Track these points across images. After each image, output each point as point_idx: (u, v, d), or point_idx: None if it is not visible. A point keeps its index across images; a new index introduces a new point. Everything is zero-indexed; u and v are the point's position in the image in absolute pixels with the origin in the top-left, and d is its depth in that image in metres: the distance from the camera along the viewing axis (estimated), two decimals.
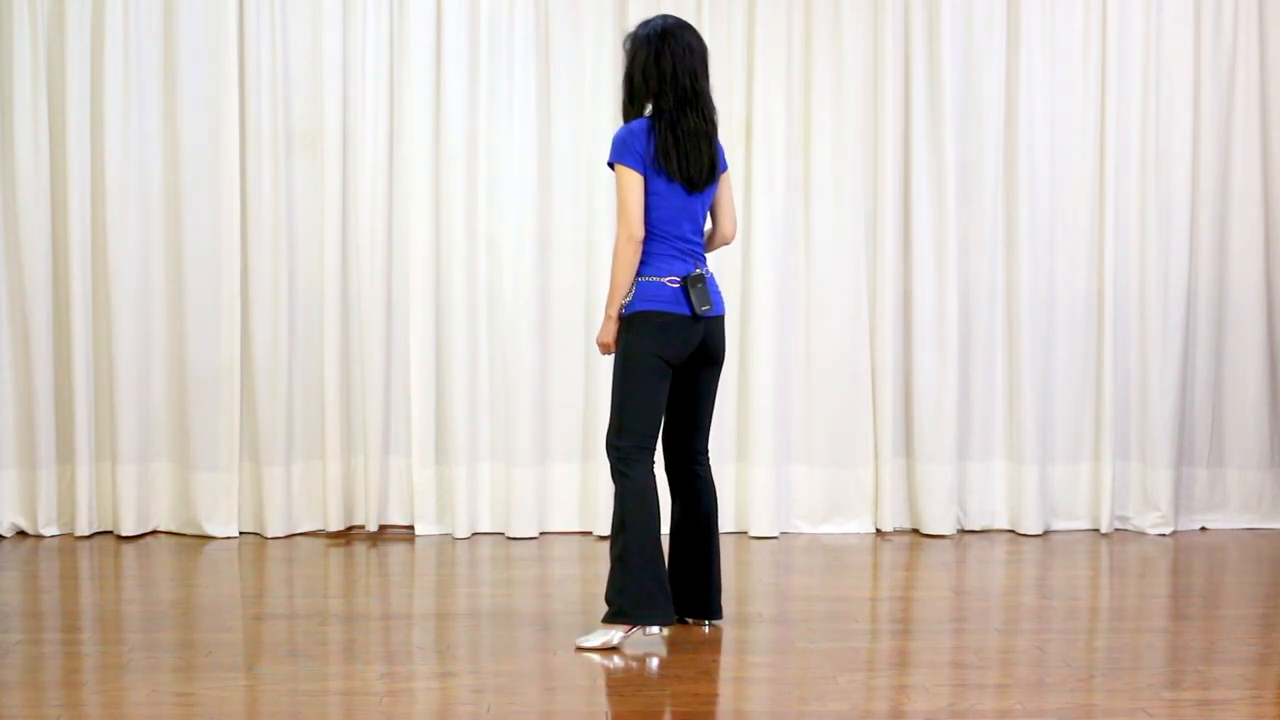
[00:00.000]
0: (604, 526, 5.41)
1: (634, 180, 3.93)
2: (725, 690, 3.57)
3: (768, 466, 5.47)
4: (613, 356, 4.02)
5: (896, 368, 5.55)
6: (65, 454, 5.41)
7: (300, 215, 5.45)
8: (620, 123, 4.15)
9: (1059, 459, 5.63)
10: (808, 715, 3.34)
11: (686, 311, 3.95)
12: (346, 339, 5.46)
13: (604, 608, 3.98)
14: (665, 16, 4.05)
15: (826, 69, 5.50)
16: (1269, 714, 3.36)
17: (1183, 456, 5.62)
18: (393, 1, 5.41)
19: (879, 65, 5.50)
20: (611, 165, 3.98)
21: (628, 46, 4.05)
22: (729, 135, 5.47)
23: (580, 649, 3.88)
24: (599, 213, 5.44)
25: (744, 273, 5.49)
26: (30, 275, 5.33)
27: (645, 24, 4.04)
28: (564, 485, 5.54)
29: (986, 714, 3.34)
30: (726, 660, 3.85)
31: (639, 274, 3.99)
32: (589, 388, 5.50)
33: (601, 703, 3.50)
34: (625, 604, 3.90)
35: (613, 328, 3.97)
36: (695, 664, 3.82)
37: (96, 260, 5.38)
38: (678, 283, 3.95)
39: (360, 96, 5.40)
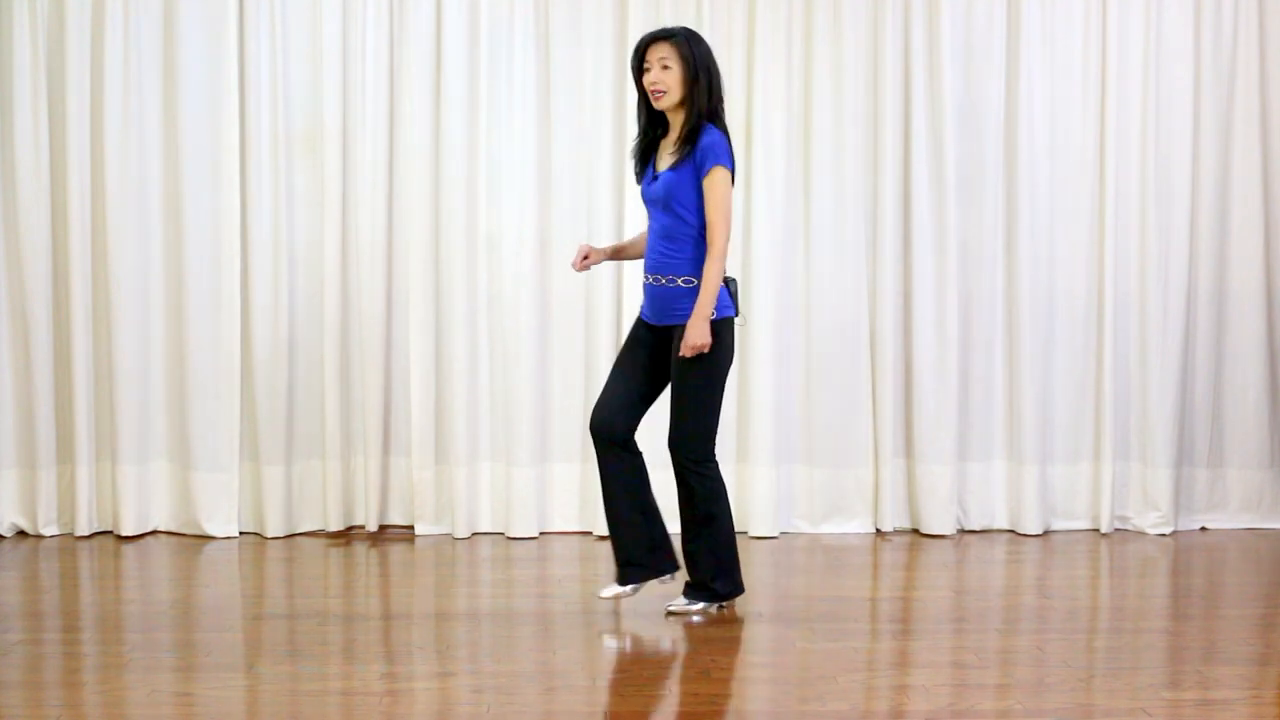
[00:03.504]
0: (604, 527, 5.41)
1: (731, 185, 4.15)
2: (725, 690, 3.57)
3: (768, 466, 5.47)
4: (680, 363, 4.11)
5: (896, 368, 5.55)
6: (65, 454, 5.41)
7: (300, 215, 5.45)
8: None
9: (1059, 459, 5.63)
10: (808, 715, 3.34)
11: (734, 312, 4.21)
12: (346, 339, 5.46)
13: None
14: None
15: (826, 69, 5.49)
16: (1269, 714, 3.36)
17: (1183, 456, 5.62)
18: (393, 2, 5.41)
19: (879, 65, 5.49)
20: (708, 170, 4.07)
21: (690, 49, 4.13)
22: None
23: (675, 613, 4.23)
24: (599, 212, 5.44)
25: (744, 273, 5.49)
26: (30, 275, 5.32)
27: (695, 31, 4.22)
28: (564, 485, 5.54)
29: (986, 714, 3.35)
30: (726, 660, 3.85)
31: (697, 281, 4.16)
32: (589, 388, 5.49)
33: (601, 703, 3.50)
34: (728, 586, 4.26)
35: (708, 329, 4.07)
36: (695, 664, 3.82)
37: (96, 260, 5.38)
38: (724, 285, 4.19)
39: (360, 96, 5.40)
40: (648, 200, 4.21)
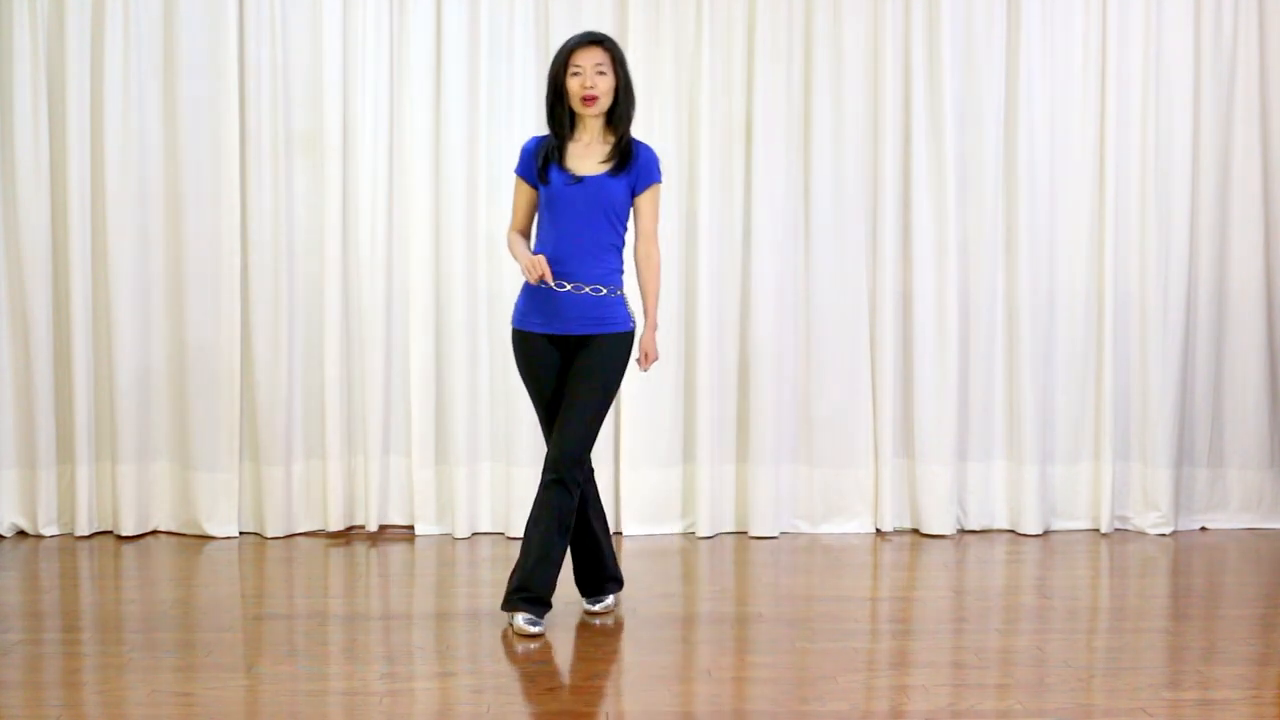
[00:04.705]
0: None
1: None
2: (725, 690, 3.57)
3: (768, 466, 5.47)
4: (598, 371, 4.05)
5: (896, 368, 5.55)
6: (65, 454, 5.41)
7: (300, 215, 5.45)
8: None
9: (1059, 459, 5.63)
10: (808, 715, 3.35)
11: None
12: (346, 339, 5.46)
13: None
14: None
15: (826, 69, 5.49)
16: (1269, 714, 3.36)
17: (1183, 456, 5.62)
18: (393, 2, 5.41)
19: (879, 65, 5.49)
20: (649, 186, 4.10)
21: (621, 57, 4.11)
22: (729, 135, 5.48)
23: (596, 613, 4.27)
24: None
25: (744, 272, 5.49)
26: (30, 275, 5.32)
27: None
28: None
29: (986, 714, 3.35)
30: (726, 660, 3.86)
31: (624, 292, 4.11)
32: None
33: (601, 703, 3.50)
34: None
35: None
36: (695, 664, 3.82)
37: (96, 260, 5.38)
38: None
39: (360, 96, 5.40)
40: (565, 202, 4.03)
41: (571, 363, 4.08)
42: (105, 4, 5.29)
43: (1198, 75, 5.55)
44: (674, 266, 5.46)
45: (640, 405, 5.46)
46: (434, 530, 5.49)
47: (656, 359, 4.18)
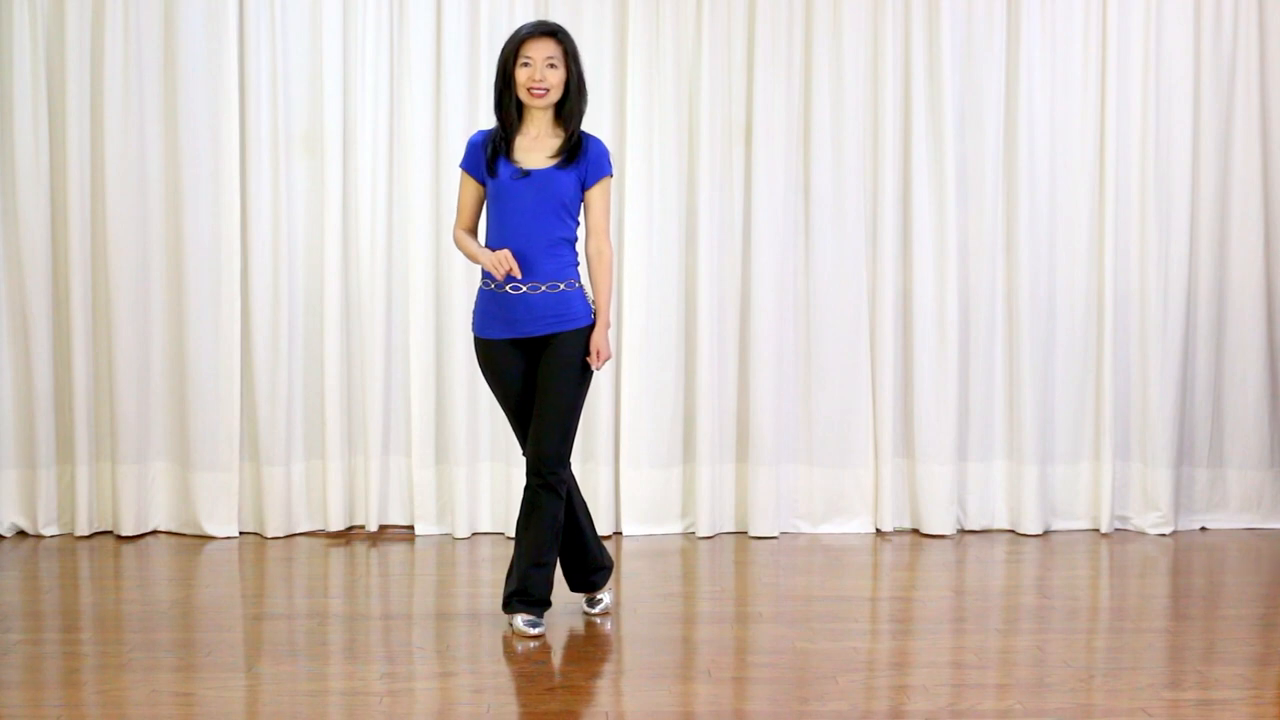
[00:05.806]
0: (605, 527, 5.41)
1: None
2: (725, 690, 3.57)
3: (768, 466, 5.47)
4: (567, 369, 4.00)
5: (896, 368, 5.55)
6: (65, 454, 5.41)
7: (300, 215, 5.45)
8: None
9: (1059, 459, 5.63)
10: (808, 715, 3.35)
11: None
12: (346, 339, 5.46)
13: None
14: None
15: (826, 69, 5.49)
16: (1269, 714, 3.36)
17: (1183, 456, 5.62)
18: (393, 2, 5.41)
19: (879, 65, 5.49)
20: (599, 179, 4.03)
21: (574, 49, 4.01)
22: (728, 135, 5.48)
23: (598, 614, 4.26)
24: None
25: (744, 272, 5.49)
26: (30, 275, 5.32)
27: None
28: None
29: (986, 714, 3.35)
30: (726, 660, 3.86)
31: (582, 283, 4.09)
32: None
33: (601, 703, 3.50)
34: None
35: None
36: (695, 664, 3.83)
37: (96, 260, 5.38)
38: None
39: (360, 96, 5.40)
40: (513, 196, 3.97)
41: (537, 363, 4.03)
42: (105, 4, 5.29)
43: (1198, 75, 5.55)
44: (674, 266, 5.47)
45: (640, 405, 5.46)
46: (434, 530, 5.49)
47: (609, 357, 4.06)
